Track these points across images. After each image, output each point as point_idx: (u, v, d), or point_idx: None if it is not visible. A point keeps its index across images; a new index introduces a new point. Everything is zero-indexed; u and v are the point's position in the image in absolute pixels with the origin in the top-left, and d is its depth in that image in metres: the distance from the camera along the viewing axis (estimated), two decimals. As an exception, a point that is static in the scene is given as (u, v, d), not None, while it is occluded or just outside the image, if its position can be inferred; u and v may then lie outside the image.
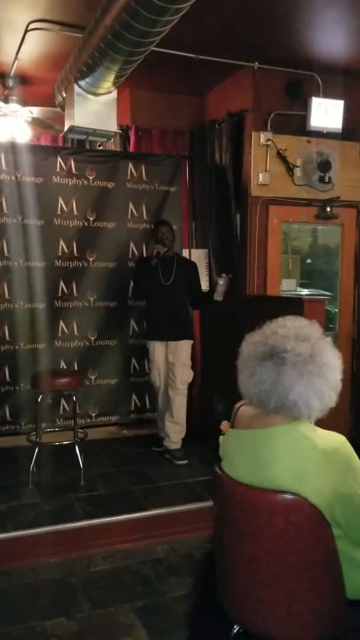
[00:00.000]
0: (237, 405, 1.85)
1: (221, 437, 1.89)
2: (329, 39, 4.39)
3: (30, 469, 4.07)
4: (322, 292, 5.72)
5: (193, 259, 5.32)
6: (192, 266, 4.79)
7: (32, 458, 4.08)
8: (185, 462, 4.48)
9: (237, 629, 1.76)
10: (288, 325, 1.69)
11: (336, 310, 5.42)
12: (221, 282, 4.63)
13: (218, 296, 4.62)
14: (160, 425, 4.74)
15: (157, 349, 4.58)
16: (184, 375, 4.55)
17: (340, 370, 1.64)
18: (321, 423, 1.69)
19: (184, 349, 4.55)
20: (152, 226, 4.83)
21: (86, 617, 2.79)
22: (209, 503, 3.61)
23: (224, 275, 4.70)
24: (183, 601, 2.83)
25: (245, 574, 1.66)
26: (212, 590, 1.84)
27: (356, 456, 1.61)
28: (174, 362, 4.52)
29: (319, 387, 1.59)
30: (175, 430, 4.56)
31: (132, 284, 4.84)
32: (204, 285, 5.42)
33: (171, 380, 4.55)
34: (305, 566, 1.59)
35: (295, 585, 1.60)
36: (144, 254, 5.04)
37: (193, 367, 4.72)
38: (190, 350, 4.65)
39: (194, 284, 4.70)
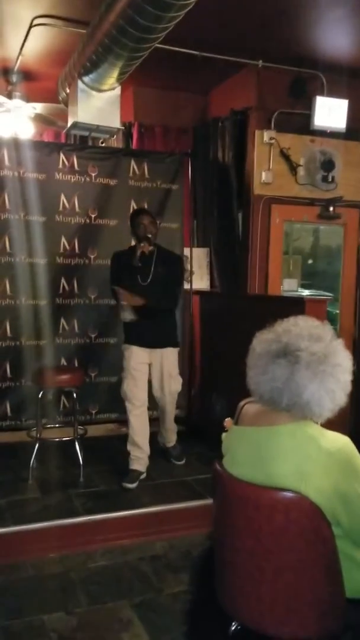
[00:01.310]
0: (242, 403, 1.85)
1: (224, 434, 1.89)
2: (333, 38, 4.39)
3: (31, 464, 4.08)
4: (323, 293, 5.73)
5: (194, 257, 5.29)
6: (176, 261, 4.22)
7: (33, 453, 4.09)
8: (182, 462, 4.42)
9: (235, 626, 1.76)
10: (301, 325, 1.69)
11: (337, 311, 5.42)
12: (125, 301, 3.90)
13: (126, 317, 3.97)
14: (135, 455, 4.10)
15: (136, 355, 4.03)
16: (172, 385, 4.17)
17: (350, 372, 1.66)
18: (322, 423, 1.69)
19: (168, 357, 4.12)
20: (130, 216, 4.26)
21: (84, 612, 2.79)
22: (208, 501, 3.62)
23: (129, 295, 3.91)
24: (181, 598, 2.83)
25: (244, 571, 1.66)
26: (210, 586, 1.84)
27: (359, 456, 1.61)
28: (158, 373, 4.11)
29: (332, 387, 1.60)
30: (168, 432, 4.43)
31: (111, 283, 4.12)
32: (204, 284, 5.42)
33: (158, 392, 4.18)
34: (305, 564, 1.59)
35: (294, 583, 1.60)
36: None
37: (192, 365, 4.67)
38: (177, 358, 4.23)
39: (169, 279, 4.06)
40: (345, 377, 1.64)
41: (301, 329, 1.67)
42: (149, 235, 3.98)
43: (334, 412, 1.64)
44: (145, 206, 4.85)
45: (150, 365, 4.13)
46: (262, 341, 1.70)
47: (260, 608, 1.64)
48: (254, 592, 1.64)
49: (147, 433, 4.15)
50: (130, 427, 4.12)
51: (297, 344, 1.62)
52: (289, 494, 1.56)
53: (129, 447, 4.11)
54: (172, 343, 4.19)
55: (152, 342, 4.06)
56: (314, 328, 1.69)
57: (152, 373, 4.14)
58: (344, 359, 1.66)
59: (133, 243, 4.27)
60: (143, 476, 4.11)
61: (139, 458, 4.10)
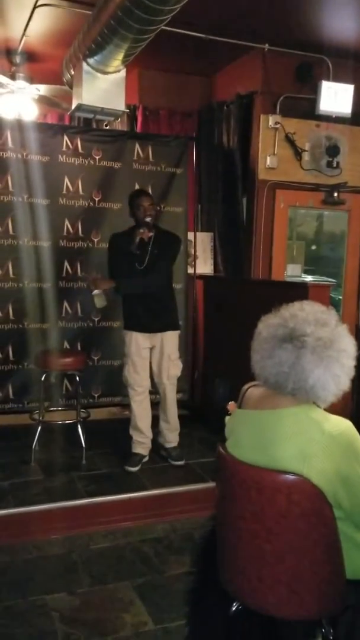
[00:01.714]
0: (245, 386, 1.86)
1: (227, 418, 1.90)
2: (340, 22, 4.34)
3: (33, 447, 4.11)
4: (326, 279, 5.72)
5: (198, 242, 5.28)
6: (169, 240, 4.07)
7: (35, 436, 4.12)
8: (182, 462, 4.15)
9: (236, 606, 1.78)
10: (307, 309, 1.69)
11: (340, 297, 5.41)
12: (96, 291, 3.91)
13: (98, 304, 3.98)
14: (137, 439, 4.15)
15: (136, 341, 4.01)
16: (171, 369, 4.09)
17: (354, 357, 1.67)
18: (325, 407, 1.70)
19: (169, 341, 4.06)
20: (129, 197, 4.11)
21: (86, 592, 2.83)
22: (210, 484, 3.66)
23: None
24: (182, 579, 2.86)
25: (246, 552, 1.68)
26: (212, 568, 1.86)
27: None
28: (159, 357, 4.06)
29: (337, 371, 1.61)
30: (168, 429, 4.21)
31: (108, 267, 4.11)
32: (208, 269, 5.41)
33: (157, 376, 4.12)
34: (306, 545, 1.60)
35: (296, 564, 1.62)
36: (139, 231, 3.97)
37: (195, 349, 4.64)
38: (177, 341, 4.17)
39: (160, 257, 3.94)
40: (350, 363, 1.65)
41: (307, 314, 1.67)
42: (148, 220, 3.91)
43: (338, 396, 1.66)
44: (150, 190, 4.81)
45: (151, 349, 4.10)
46: (268, 325, 1.70)
47: (261, 588, 1.66)
48: (255, 573, 1.66)
49: (149, 418, 4.15)
50: (132, 412, 4.13)
51: (303, 329, 1.63)
52: (291, 477, 1.57)
53: (131, 432, 4.13)
54: (173, 326, 4.13)
55: (152, 326, 4.02)
56: (320, 313, 1.69)
57: (152, 357, 4.10)
58: (349, 344, 1.67)
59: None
60: (145, 459, 4.13)
61: (141, 442, 4.12)
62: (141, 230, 3.88)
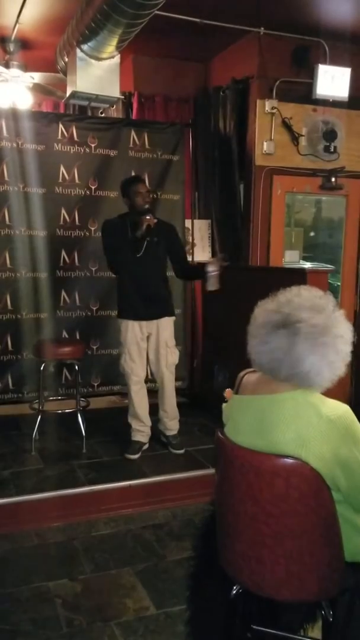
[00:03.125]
0: (242, 373, 1.86)
1: (224, 405, 1.90)
2: (336, 5, 4.29)
3: (33, 436, 4.12)
4: (324, 265, 5.71)
5: (195, 229, 5.26)
6: (170, 231, 4.09)
7: (35, 426, 4.13)
8: (182, 451, 4.15)
9: (237, 589, 1.79)
10: (304, 295, 1.69)
11: (338, 283, 5.40)
12: (211, 268, 3.80)
13: (211, 286, 3.83)
14: (137, 428, 4.16)
15: (131, 329, 3.99)
16: (169, 357, 4.07)
17: (350, 343, 1.66)
18: (322, 392, 1.70)
19: (165, 327, 4.04)
20: (123, 184, 4.04)
21: (88, 578, 2.85)
22: (209, 470, 3.67)
23: (213, 259, 4.05)
24: (183, 564, 2.88)
25: (245, 536, 1.69)
26: (212, 552, 1.87)
27: (358, 424, 1.63)
28: (155, 344, 4.04)
29: (332, 358, 1.61)
30: (169, 418, 4.20)
31: (106, 255, 4.09)
32: (206, 256, 5.39)
33: (154, 365, 4.11)
34: (305, 528, 1.61)
35: (295, 547, 1.63)
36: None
37: (194, 337, 4.65)
38: (173, 327, 4.14)
39: (173, 252, 4.06)
40: (346, 348, 1.65)
41: (303, 300, 1.66)
42: (148, 206, 3.89)
43: (333, 382, 1.66)
44: (146, 177, 4.79)
45: (148, 337, 4.07)
46: (264, 311, 1.70)
47: (261, 571, 1.67)
48: (255, 556, 1.67)
49: (147, 406, 4.15)
50: (130, 401, 4.13)
51: (298, 315, 1.62)
52: (289, 460, 1.58)
53: (130, 420, 4.14)
54: (168, 312, 4.10)
55: (147, 314, 3.99)
56: (316, 299, 1.68)
57: (148, 345, 4.08)
58: (345, 330, 1.66)
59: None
60: (145, 447, 4.15)
61: (141, 430, 4.13)
62: (147, 217, 3.80)
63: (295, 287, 1.74)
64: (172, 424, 4.23)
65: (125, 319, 4.03)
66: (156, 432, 4.25)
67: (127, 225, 3.90)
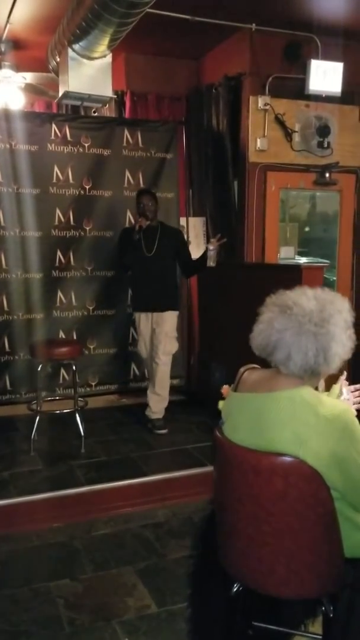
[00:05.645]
0: (242, 369, 1.86)
1: (221, 402, 1.90)
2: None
3: (32, 437, 4.12)
4: (320, 260, 5.71)
5: (190, 227, 5.28)
6: (177, 235, 4.66)
7: (33, 426, 4.13)
8: (165, 431, 4.45)
9: (237, 587, 1.80)
10: (317, 295, 1.73)
11: (334, 278, 5.41)
12: (211, 247, 4.36)
13: (211, 262, 4.33)
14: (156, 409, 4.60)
15: (143, 321, 4.51)
16: (167, 346, 4.46)
17: (353, 339, 1.70)
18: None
19: (168, 319, 4.46)
20: (136, 194, 4.56)
21: (89, 578, 2.85)
22: (208, 468, 3.68)
23: (212, 240, 4.46)
24: (183, 562, 2.89)
25: (245, 534, 1.69)
26: (212, 550, 1.88)
27: (357, 423, 1.63)
28: (157, 332, 4.44)
29: (333, 351, 1.64)
30: (156, 400, 4.52)
31: (117, 255, 4.61)
32: (201, 253, 5.39)
33: (153, 351, 4.47)
34: (304, 526, 1.62)
35: (294, 545, 1.63)
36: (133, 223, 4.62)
37: (191, 334, 4.72)
38: (176, 321, 4.56)
39: (181, 254, 4.56)
40: (348, 344, 1.68)
41: (312, 298, 1.71)
42: (147, 212, 4.36)
43: (334, 370, 1.69)
44: (140, 176, 4.86)
45: (152, 328, 4.46)
46: (272, 304, 1.74)
47: (261, 569, 1.68)
48: (254, 554, 1.68)
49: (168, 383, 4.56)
50: (151, 380, 4.55)
51: (294, 299, 1.68)
52: (287, 459, 1.58)
53: (150, 397, 4.51)
54: (173, 306, 4.50)
55: (154, 306, 4.44)
56: (325, 293, 1.74)
57: (152, 335, 4.46)
58: (347, 315, 1.71)
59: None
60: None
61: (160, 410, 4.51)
62: (139, 219, 4.34)
63: (310, 289, 1.77)
64: (159, 407, 4.52)
65: (136, 311, 4.57)
66: (143, 420, 4.52)
67: (134, 230, 4.37)
